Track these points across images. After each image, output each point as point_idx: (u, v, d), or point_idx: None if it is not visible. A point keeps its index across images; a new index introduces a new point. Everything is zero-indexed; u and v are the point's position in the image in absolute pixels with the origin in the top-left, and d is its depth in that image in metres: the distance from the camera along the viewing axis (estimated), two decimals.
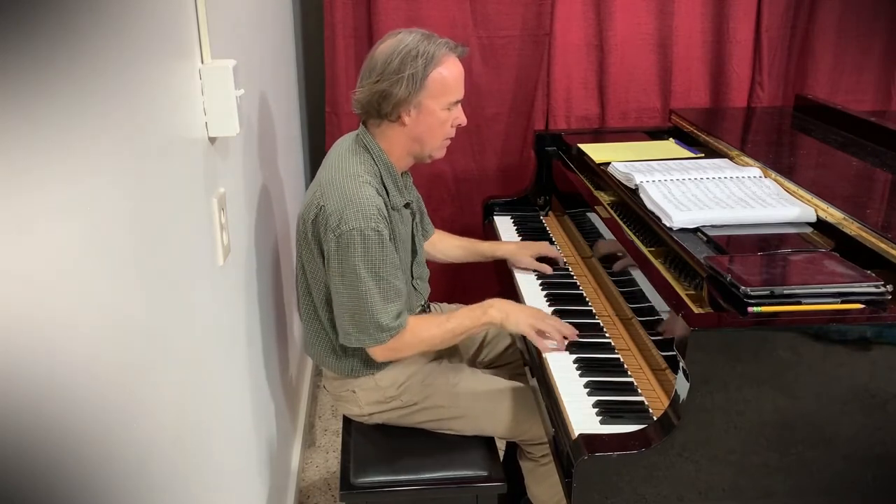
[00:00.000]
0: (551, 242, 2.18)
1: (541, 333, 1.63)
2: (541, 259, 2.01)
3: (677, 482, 1.29)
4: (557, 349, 1.61)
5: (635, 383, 1.51)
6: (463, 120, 1.68)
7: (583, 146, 2.16)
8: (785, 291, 1.27)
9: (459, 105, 1.67)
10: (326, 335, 1.72)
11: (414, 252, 1.79)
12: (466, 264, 2.17)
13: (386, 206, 1.62)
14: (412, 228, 1.77)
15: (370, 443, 1.77)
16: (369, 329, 1.59)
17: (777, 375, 1.24)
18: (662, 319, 1.45)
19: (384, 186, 1.64)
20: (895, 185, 1.73)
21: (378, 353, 1.64)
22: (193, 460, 1.09)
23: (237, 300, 1.49)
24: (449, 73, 1.60)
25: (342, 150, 1.69)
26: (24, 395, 0.59)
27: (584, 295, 1.87)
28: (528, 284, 1.93)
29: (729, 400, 1.25)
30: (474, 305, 1.70)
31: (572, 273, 1.99)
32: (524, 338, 1.74)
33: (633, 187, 1.78)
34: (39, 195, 0.63)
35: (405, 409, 1.75)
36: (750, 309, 1.25)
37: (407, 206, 1.73)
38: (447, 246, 2.06)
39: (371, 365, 1.71)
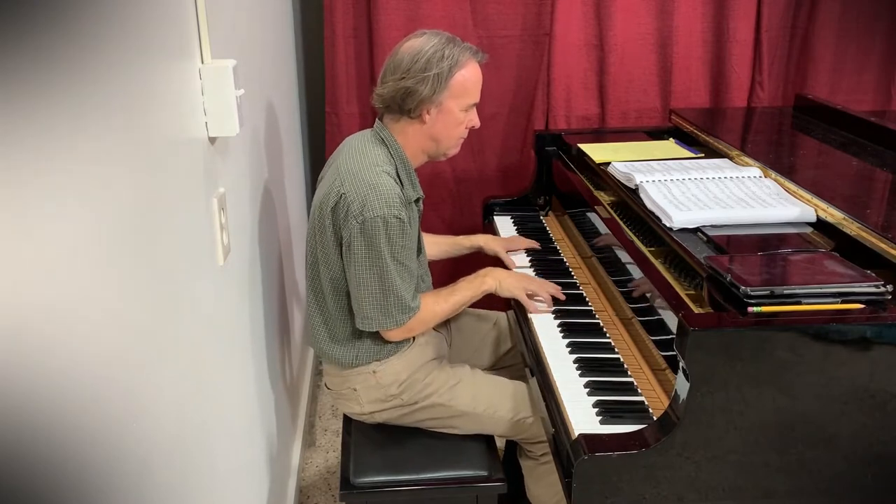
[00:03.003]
0: (551, 242, 2.18)
1: (531, 296, 1.81)
2: (533, 253, 2.10)
3: (677, 482, 1.29)
4: (546, 310, 1.79)
5: (635, 383, 1.51)
6: (477, 122, 1.74)
7: (583, 146, 2.16)
8: (785, 291, 1.27)
9: (475, 108, 1.72)
10: (333, 324, 1.73)
11: (419, 249, 1.80)
12: (465, 264, 2.17)
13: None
14: (418, 225, 1.79)
15: (370, 443, 1.77)
16: (392, 311, 1.63)
17: (777, 375, 1.24)
18: (662, 319, 1.45)
19: (399, 179, 1.67)
20: (895, 185, 1.73)
21: (396, 334, 1.69)
22: (194, 460, 1.10)
23: (237, 300, 1.49)
24: (471, 77, 1.67)
25: (359, 142, 1.72)
26: (25, 395, 0.59)
27: (585, 295, 1.87)
28: None
29: (729, 400, 1.25)
30: (471, 276, 1.83)
31: (572, 273, 1.99)
32: (524, 339, 1.74)
33: (633, 187, 1.78)
34: (40, 195, 0.63)
35: (406, 407, 1.75)
36: (750, 309, 1.25)
37: (417, 201, 1.74)
38: (427, 244, 2.08)
39: (373, 355, 1.72)
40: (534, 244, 2.13)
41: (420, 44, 1.64)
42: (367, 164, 1.63)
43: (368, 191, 1.58)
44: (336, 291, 1.70)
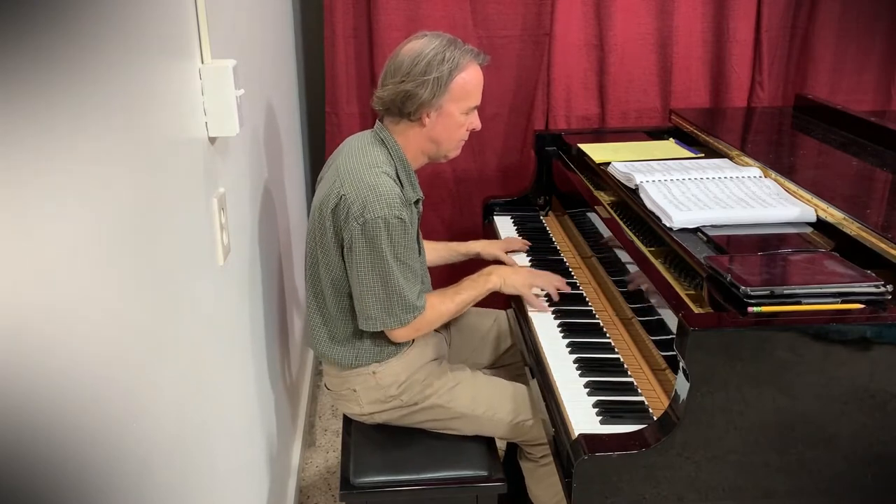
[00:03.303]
0: (551, 242, 2.18)
1: (535, 297, 1.82)
2: (532, 252, 2.10)
3: (677, 482, 1.29)
4: (548, 308, 1.80)
5: (635, 383, 1.51)
6: (478, 125, 1.74)
7: (583, 146, 2.16)
8: (785, 291, 1.27)
9: (476, 111, 1.71)
10: (333, 325, 1.73)
11: (419, 251, 1.80)
12: (466, 267, 2.17)
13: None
14: (417, 227, 1.79)
15: (370, 443, 1.77)
16: (396, 311, 1.63)
17: (777, 375, 1.24)
18: (662, 319, 1.45)
19: (399, 180, 1.67)
20: (895, 185, 1.73)
21: (401, 333, 1.68)
22: (194, 460, 1.10)
23: (237, 300, 1.49)
24: (471, 80, 1.66)
25: (359, 143, 1.72)
26: (25, 395, 0.59)
27: (585, 295, 1.87)
28: None
29: (729, 400, 1.25)
30: (475, 276, 1.84)
31: (572, 273, 1.99)
32: (524, 338, 1.74)
33: (633, 187, 1.78)
34: (40, 195, 0.63)
35: (406, 408, 1.75)
36: (750, 309, 1.25)
37: (416, 203, 1.74)
38: (426, 250, 2.08)
39: (372, 356, 1.72)
40: (526, 243, 2.13)
41: (420, 46, 1.63)
42: (367, 165, 1.63)
43: (368, 192, 1.57)
44: (337, 292, 1.70)
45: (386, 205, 1.56)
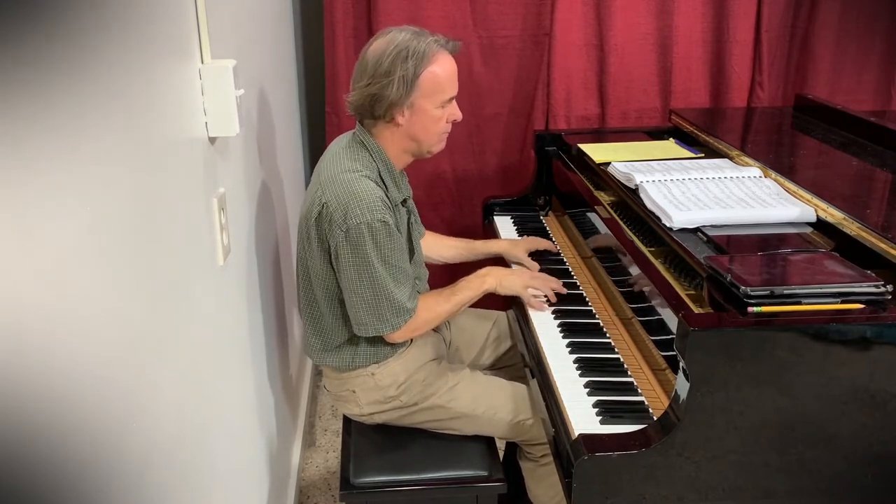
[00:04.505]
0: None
1: (534, 297, 1.80)
2: (534, 253, 2.05)
3: (677, 482, 1.29)
4: (547, 308, 1.78)
5: (635, 383, 1.51)
6: (458, 115, 1.68)
7: (583, 146, 2.16)
8: (785, 291, 1.27)
9: (454, 101, 1.66)
10: (329, 332, 1.72)
11: (411, 251, 1.79)
12: (464, 266, 2.17)
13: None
14: (408, 226, 1.77)
15: (370, 443, 1.77)
16: (386, 316, 1.62)
17: (777, 375, 1.24)
18: (662, 319, 1.45)
19: (382, 182, 1.65)
20: (895, 185, 1.73)
21: (398, 335, 1.67)
22: (193, 460, 1.10)
23: (237, 300, 1.49)
24: (441, 71, 1.60)
25: (338, 148, 1.70)
26: (25, 395, 0.59)
27: (585, 295, 1.87)
28: None
29: (729, 400, 1.25)
30: (472, 276, 1.81)
31: (572, 273, 1.99)
32: (524, 339, 1.74)
33: (633, 187, 1.78)
34: (40, 195, 0.63)
35: (405, 409, 1.75)
36: (750, 309, 1.25)
37: (404, 202, 1.73)
38: (440, 247, 2.07)
39: (370, 357, 1.72)
40: (552, 246, 2.08)
41: (383, 45, 1.58)
42: (347, 170, 1.60)
43: (350, 198, 1.55)
44: (330, 300, 1.69)
45: (367, 209, 1.54)
